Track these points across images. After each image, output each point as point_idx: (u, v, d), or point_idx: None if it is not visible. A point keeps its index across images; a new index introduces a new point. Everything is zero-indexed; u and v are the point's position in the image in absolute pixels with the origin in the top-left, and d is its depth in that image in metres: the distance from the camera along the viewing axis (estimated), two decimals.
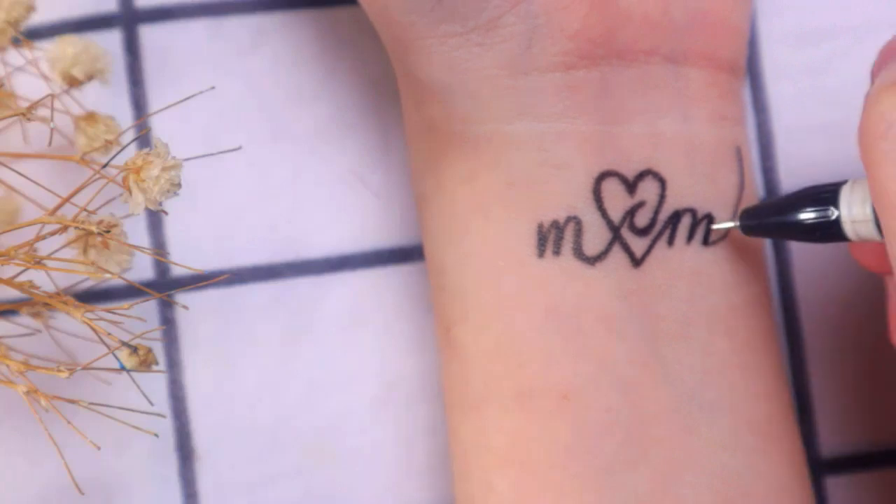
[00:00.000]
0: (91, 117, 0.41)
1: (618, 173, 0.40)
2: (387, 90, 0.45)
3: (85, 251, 0.39)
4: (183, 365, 0.45)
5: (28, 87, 0.42)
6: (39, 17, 0.43)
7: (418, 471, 0.45)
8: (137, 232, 0.45)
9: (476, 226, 0.40)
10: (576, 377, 0.39)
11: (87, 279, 0.40)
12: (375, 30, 0.40)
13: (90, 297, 0.44)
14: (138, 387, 0.40)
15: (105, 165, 0.37)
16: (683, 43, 0.41)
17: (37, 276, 0.39)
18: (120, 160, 0.37)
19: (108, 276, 0.38)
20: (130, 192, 0.37)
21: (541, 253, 0.40)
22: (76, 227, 0.37)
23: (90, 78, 0.42)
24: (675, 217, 0.41)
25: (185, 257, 0.45)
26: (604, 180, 0.40)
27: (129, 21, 0.45)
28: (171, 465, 0.45)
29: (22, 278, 0.38)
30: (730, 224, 0.41)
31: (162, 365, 0.45)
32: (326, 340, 0.45)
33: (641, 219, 0.40)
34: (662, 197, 0.41)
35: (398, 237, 0.46)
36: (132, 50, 0.45)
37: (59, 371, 0.37)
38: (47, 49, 0.42)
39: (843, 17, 0.46)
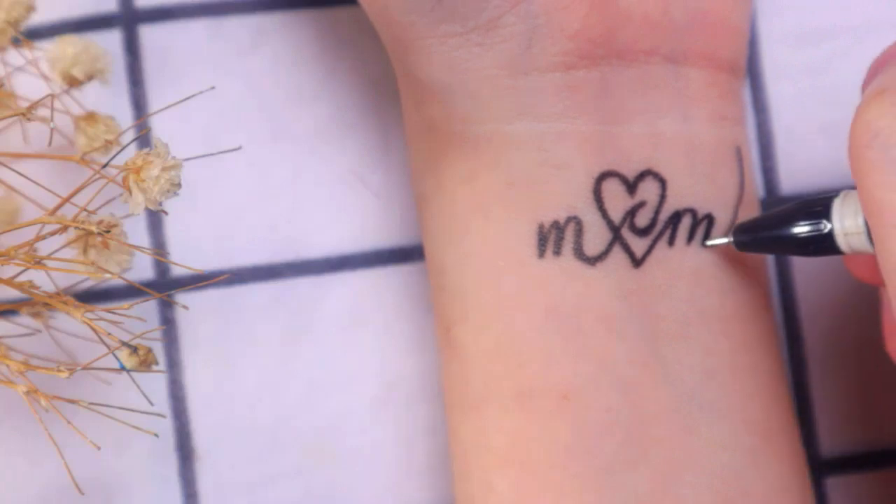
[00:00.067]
0: (91, 117, 0.41)
1: (618, 173, 0.40)
2: (387, 90, 0.45)
3: (85, 251, 0.39)
4: (183, 365, 0.45)
5: (28, 87, 0.42)
6: (39, 17, 0.43)
7: (418, 471, 0.45)
8: (137, 232, 0.45)
9: (476, 226, 0.40)
10: (576, 377, 0.39)
11: (87, 279, 0.40)
12: (375, 30, 0.40)
13: (90, 297, 0.44)
14: (138, 387, 0.40)
15: (105, 165, 0.37)
16: (683, 43, 0.41)
17: (37, 276, 0.39)
18: (120, 160, 0.37)
19: (108, 276, 0.38)
20: (130, 192, 0.37)
21: (541, 253, 0.40)
22: (76, 227, 0.37)
23: (90, 78, 0.42)
24: (676, 217, 0.41)
25: (185, 257, 0.45)
26: (604, 180, 0.40)
27: (129, 21, 0.45)
28: (171, 465, 0.45)
29: (22, 278, 0.38)
30: (723, 240, 0.41)
31: (162, 365, 0.45)
32: (326, 340, 0.45)
33: (642, 219, 0.40)
34: (663, 197, 0.41)
35: (398, 237, 0.46)
36: (132, 50, 0.45)
37: (59, 371, 0.37)
38: (47, 49, 0.42)
39: (843, 17, 0.46)
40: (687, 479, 0.40)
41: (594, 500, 0.39)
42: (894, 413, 0.46)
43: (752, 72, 0.46)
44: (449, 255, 0.41)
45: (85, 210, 0.37)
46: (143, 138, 0.45)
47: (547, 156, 0.40)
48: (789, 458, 0.42)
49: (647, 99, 0.41)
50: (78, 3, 0.45)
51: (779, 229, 0.39)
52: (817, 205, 0.38)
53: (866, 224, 0.37)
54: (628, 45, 0.40)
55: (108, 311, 0.37)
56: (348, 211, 0.46)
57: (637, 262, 0.40)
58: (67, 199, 0.37)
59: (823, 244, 0.38)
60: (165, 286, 0.45)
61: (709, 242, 0.41)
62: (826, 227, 0.38)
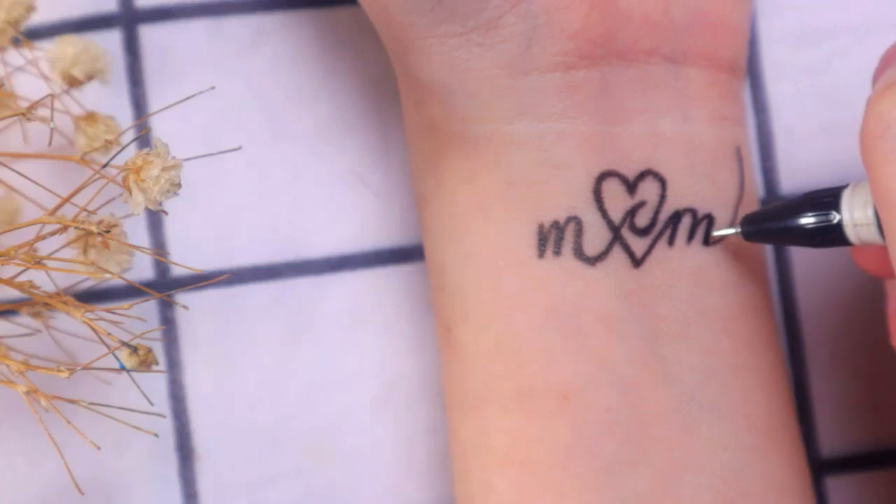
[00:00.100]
0: (91, 117, 0.41)
1: (618, 173, 0.40)
2: (387, 90, 0.45)
3: (85, 251, 0.39)
4: (183, 365, 0.45)
5: (28, 87, 0.42)
6: (39, 17, 0.43)
7: (418, 471, 0.45)
8: (137, 232, 0.45)
9: (476, 226, 0.40)
10: (576, 377, 0.39)
11: (87, 279, 0.40)
12: (375, 30, 0.40)
13: (90, 297, 0.44)
14: (138, 387, 0.40)
15: (105, 165, 0.37)
16: (683, 43, 0.41)
17: (37, 276, 0.39)
18: (120, 160, 0.37)
19: (108, 276, 0.38)
20: (130, 192, 0.37)
21: (541, 253, 0.40)
22: (76, 227, 0.37)
23: (90, 78, 0.42)
24: (676, 217, 0.41)
25: (185, 257, 0.45)
26: (604, 180, 0.40)
27: (129, 21, 0.45)
28: (171, 465, 0.45)
29: (22, 278, 0.38)
30: (730, 231, 0.41)
31: (162, 365, 0.45)
32: (326, 340, 0.45)
33: (642, 219, 0.40)
34: (663, 197, 0.41)
35: (398, 237, 0.46)
36: (132, 50, 0.45)
37: (59, 371, 0.37)
38: (47, 49, 0.42)
39: (843, 17, 0.46)
40: (687, 479, 0.40)
41: (594, 500, 0.39)
42: (895, 413, 0.46)
43: (752, 72, 0.46)
44: (449, 255, 0.41)
45: (85, 210, 0.37)
46: (143, 138, 0.45)
47: (547, 156, 0.40)
48: (789, 458, 0.42)
49: (647, 99, 0.41)
50: (78, 3, 0.45)
51: (787, 220, 0.39)
52: (826, 195, 0.38)
53: (876, 215, 0.37)
54: (628, 45, 0.40)
55: (108, 311, 0.37)
56: (348, 211, 0.46)
57: (637, 262, 0.40)
58: (67, 199, 0.37)
59: (832, 235, 0.38)
60: (165, 286, 0.45)
61: (716, 233, 0.41)
62: (835, 217, 0.38)
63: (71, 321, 0.38)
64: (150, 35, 0.45)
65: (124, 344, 0.37)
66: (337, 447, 0.45)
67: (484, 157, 0.40)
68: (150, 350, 0.39)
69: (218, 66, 0.45)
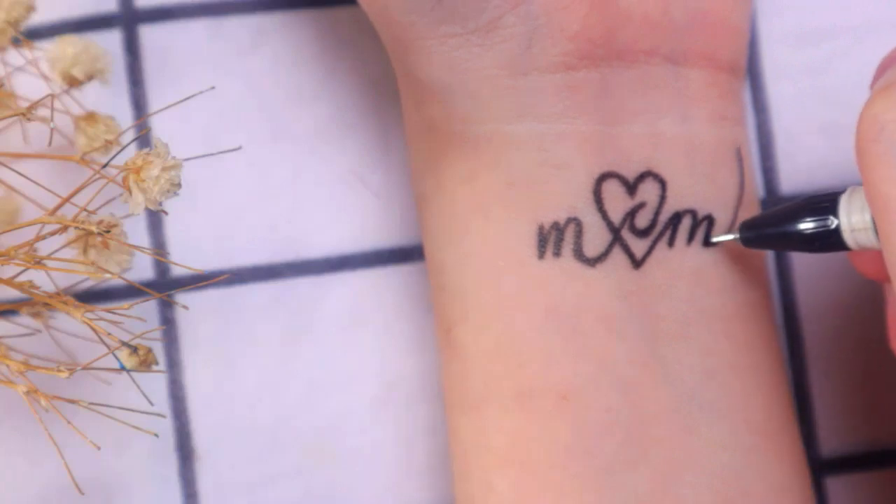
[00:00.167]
0: (91, 117, 0.41)
1: (618, 174, 0.40)
2: (387, 90, 0.45)
3: (85, 251, 0.39)
4: (183, 365, 0.45)
5: (28, 87, 0.42)
6: (39, 17, 0.43)
7: (418, 471, 0.45)
8: (137, 232, 0.45)
9: (476, 226, 0.40)
10: (576, 377, 0.39)
11: (87, 279, 0.40)
12: (375, 30, 0.40)
13: (90, 297, 0.44)
14: (138, 387, 0.40)
15: (105, 165, 0.37)
16: (683, 43, 0.41)
17: (37, 276, 0.39)
18: (120, 160, 0.37)
19: (108, 276, 0.38)
20: (130, 192, 0.37)
21: (541, 254, 0.40)
22: (76, 227, 0.37)
23: (90, 78, 0.42)
24: (676, 218, 0.41)
25: (185, 257, 0.45)
26: (604, 181, 0.40)
27: (129, 21, 0.45)
28: (171, 465, 0.45)
29: (22, 278, 0.38)
30: (729, 237, 0.41)
31: (162, 365, 0.45)
32: (326, 340, 0.45)
33: (642, 220, 0.40)
34: (663, 198, 0.41)
35: (398, 237, 0.46)
36: (132, 50, 0.45)
37: (59, 371, 0.37)
38: (47, 49, 0.42)
39: (843, 17, 0.46)
40: (687, 479, 0.40)
41: (594, 500, 0.39)
42: (895, 413, 0.46)
43: (752, 72, 0.46)
44: (449, 255, 0.41)
45: (85, 210, 0.37)
46: (143, 138, 0.45)
47: (547, 156, 0.40)
48: (790, 458, 0.42)
49: (647, 99, 0.41)
50: (78, 3, 0.45)
51: (785, 225, 0.39)
52: (824, 201, 0.38)
53: (873, 219, 0.37)
54: (628, 46, 0.40)
55: (108, 311, 0.37)
56: (348, 211, 0.46)
57: (637, 263, 0.40)
58: (67, 199, 0.37)
59: (830, 240, 0.38)
60: (165, 286, 0.45)
61: (714, 239, 0.41)
62: (833, 223, 0.38)
63: (71, 321, 0.38)
64: (150, 35, 0.45)
65: (124, 344, 0.37)
66: (337, 447, 0.45)
67: (484, 157, 0.40)
68: (150, 350, 0.39)
69: (218, 66, 0.45)
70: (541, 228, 0.40)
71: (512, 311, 0.40)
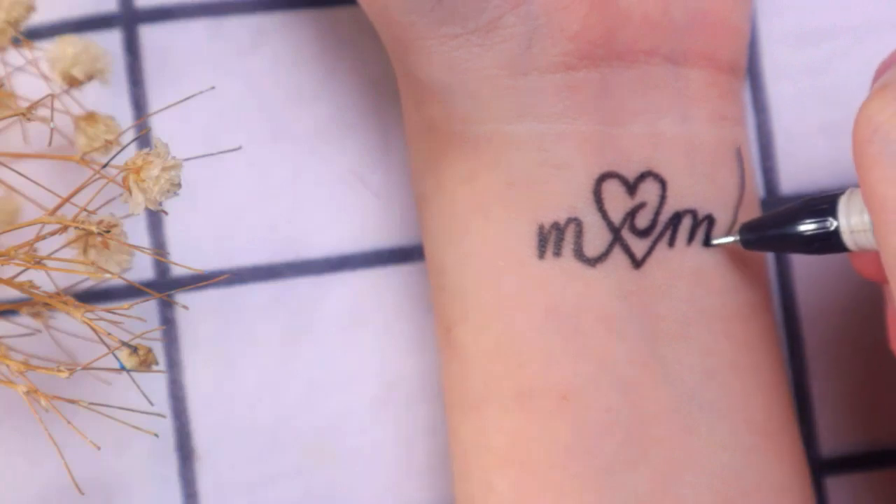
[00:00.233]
0: (91, 117, 0.41)
1: (618, 174, 0.40)
2: (387, 90, 0.45)
3: (85, 251, 0.39)
4: (183, 365, 0.45)
5: (28, 87, 0.42)
6: (39, 17, 0.43)
7: (418, 471, 0.45)
8: (137, 232, 0.45)
9: (476, 226, 0.40)
10: (576, 377, 0.39)
11: (87, 279, 0.40)
12: (375, 30, 0.40)
13: (90, 297, 0.44)
14: (138, 387, 0.40)
15: (105, 165, 0.37)
16: (683, 43, 0.41)
17: (37, 276, 0.39)
18: (120, 160, 0.37)
19: (108, 276, 0.38)
20: (130, 192, 0.37)
21: (541, 254, 0.40)
22: (76, 227, 0.37)
23: (90, 78, 0.42)
24: (676, 218, 0.41)
25: (185, 257, 0.45)
26: (604, 181, 0.40)
27: (129, 21, 0.45)
28: (171, 465, 0.45)
29: (22, 278, 0.38)
30: (729, 239, 0.41)
31: (162, 365, 0.45)
32: (326, 340, 0.45)
33: (642, 220, 0.40)
34: (663, 198, 0.41)
35: (398, 237, 0.46)
36: (132, 50, 0.45)
37: (59, 371, 0.37)
38: (47, 49, 0.42)
39: (843, 17, 0.46)
40: (687, 479, 0.40)
41: (594, 500, 0.39)
42: (894, 413, 0.46)
43: (752, 72, 0.46)
44: (449, 255, 0.41)
45: (85, 210, 0.37)
46: (143, 138, 0.45)
47: (547, 156, 0.40)
48: (790, 458, 0.42)
49: (647, 99, 0.41)
50: (78, 3, 0.45)
51: (785, 227, 0.39)
52: (823, 202, 0.38)
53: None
54: (628, 46, 0.40)
55: (108, 311, 0.37)
56: (348, 211, 0.46)
57: (637, 263, 0.40)
58: (67, 199, 0.37)
59: (829, 242, 0.38)
60: (165, 286, 0.45)
61: (715, 241, 0.41)
62: (832, 224, 0.38)
63: (71, 321, 0.38)
64: (150, 35, 0.45)
65: (124, 344, 0.37)
66: (337, 447, 0.45)
67: (484, 157, 0.40)
68: (150, 350, 0.39)
69: (218, 66, 0.45)
70: (541, 228, 0.40)
71: (512, 311, 0.40)
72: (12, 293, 0.41)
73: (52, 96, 0.39)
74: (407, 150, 0.43)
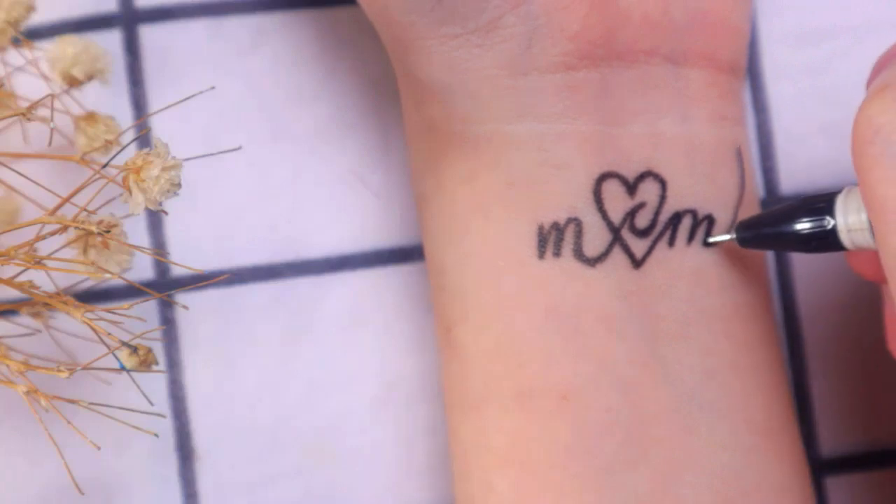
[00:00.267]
0: (91, 117, 0.41)
1: (618, 174, 0.40)
2: (387, 90, 0.45)
3: (85, 251, 0.39)
4: (183, 365, 0.45)
5: (28, 87, 0.42)
6: (39, 17, 0.43)
7: (418, 471, 0.45)
8: (137, 232, 0.45)
9: (476, 226, 0.40)
10: (576, 377, 0.39)
11: (87, 279, 0.40)
12: (375, 30, 0.40)
13: (90, 297, 0.44)
14: (138, 387, 0.40)
15: (105, 165, 0.37)
16: (683, 43, 0.41)
17: (37, 276, 0.39)
18: (120, 160, 0.37)
19: (108, 276, 0.38)
20: (130, 192, 0.37)
21: (541, 254, 0.40)
22: (76, 227, 0.37)
23: (90, 78, 0.42)
24: (676, 218, 0.41)
25: (185, 257, 0.45)
26: (604, 181, 0.40)
27: (129, 21, 0.45)
28: (171, 465, 0.45)
29: (22, 278, 0.38)
30: (726, 237, 0.41)
31: (162, 365, 0.45)
32: (326, 340, 0.45)
33: (642, 220, 0.40)
34: (663, 198, 0.41)
35: (398, 237, 0.46)
36: (132, 50, 0.45)
37: (59, 371, 0.37)
38: (47, 49, 0.42)
39: (843, 17, 0.46)
40: (687, 479, 0.40)
41: (594, 500, 0.39)
42: (894, 413, 0.46)
43: (752, 72, 0.46)
44: (449, 255, 0.41)
45: (85, 210, 0.37)
46: (143, 138, 0.45)
47: (547, 156, 0.40)
48: (790, 458, 0.42)
49: (647, 99, 0.41)
50: (78, 3, 0.45)
51: (782, 226, 0.39)
52: (821, 201, 0.38)
53: (869, 220, 0.37)
54: (628, 46, 0.40)
55: (108, 311, 0.37)
56: (348, 211, 0.46)
57: (637, 264, 0.40)
58: (67, 199, 0.37)
59: (826, 240, 0.38)
60: (165, 286, 0.45)
61: (711, 239, 0.41)
62: (829, 223, 0.38)
63: (71, 321, 0.38)
64: (150, 35, 0.45)
65: (124, 344, 0.37)
66: (337, 447, 0.45)
67: (484, 157, 0.40)
68: (150, 350, 0.39)
69: (218, 66, 0.45)
70: (541, 228, 0.40)
71: (512, 311, 0.40)
72: (12, 293, 0.41)
73: (52, 96, 0.39)
74: (407, 150, 0.43)
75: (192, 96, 0.41)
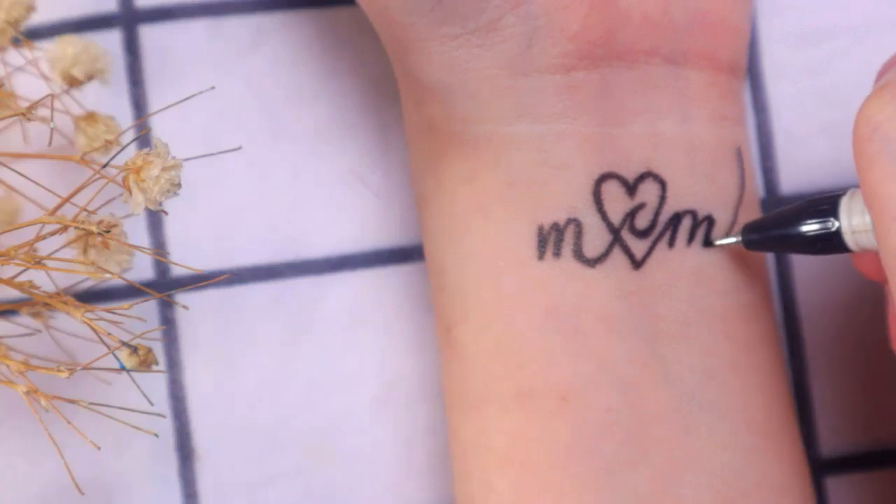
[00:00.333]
0: (91, 117, 0.41)
1: (618, 175, 0.40)
2: (387, 90, 0.45)
3: (85, 251, 0.39)
4: (183, 365, 0.45)
5: (28, 87, 0.42)
6: (39, 17, 0.43)
7: (418, 471, 0.45)
8: (137, 232, 0.45)
9: (476, 226, 0.40)
10: (576, 377, 0.39)
11: (87, 279, 0.40)
12: (375, 30, 0.40)
13: (90, 297, 0.44)
14: (138, 387, 0.40)
15: (105, 165, 0.37)
16: (683, 43, 0.41)
17: (37, 276, 0.39)
18: (120, 160, 0.37)
19: (108, 276, 0.38)
20: (130, 192, 0.37)
21: (541, 255, 0.40)
22: (76, 227, 0.37)
23: (90, 78, 0.42)
24: (676, 219, 0.41)
25: (185, 257, 0.45)
26: (604, 182, 0.40)
27: (129, 21, 0.45)
28: (171, 465, 0.45)
29: (22, 278, 0.38)
30: (732, 240, 0.41)
31: (162, 365, 0.45)
32: (326, 340, 0.45)
33: (641, 221, 0.40)
34: (663, 198, 0.41)
35: (398, 237, 0.46)
36: (132, 50, 0.45)
37: (59, 371, 0.37)
38: (47, 49, 0.42)
39: (843, 17, 0.46)
40: (687, 479, 0.40)
41: (594, 500, 0.39)
42: (894, 413, 0.46)
43: (752, 72, 0.46)
44: (449, 255, 0.41)
45: (85, 210, 0.37)
46: (143, 138, 0.45)
47: (547, 156, 0.40)
48: (790, 458, 0.42)
49: (647, 99, 0.41)
50: (78, 3, 0.45)
51: (787, 228, 0.39)
52: (825, 203, 0.38)
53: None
54: (628, 46, 0.40)
55: (108, 311, 0.37)
56: (348, 211, 0.46)
57: (637, 264, 0.40)
58: (67, 199, 0.37)
59: (831, 242, 0.38)
60: (165, 286, 0.45)
61: (718, 242, 0.41)
62: (834, 225, 0.38)
63: (71, 321, 0.38)
64: (150, 35, 0.45)
65: (124, 344, 0.37)
66: (337, 447, 0.45)
67: (484, 158, 0.40)
68: (150, 350, 0.39)
69: (218, 66, 0.45)
70: (541, 229, 0.40)
71: (512, 311, 0.40)
72: (12, 293, 0.41)
73: (52, 96, 0.39)
74: (407, 150, 0.43)
75: (192, 96, 0.41)
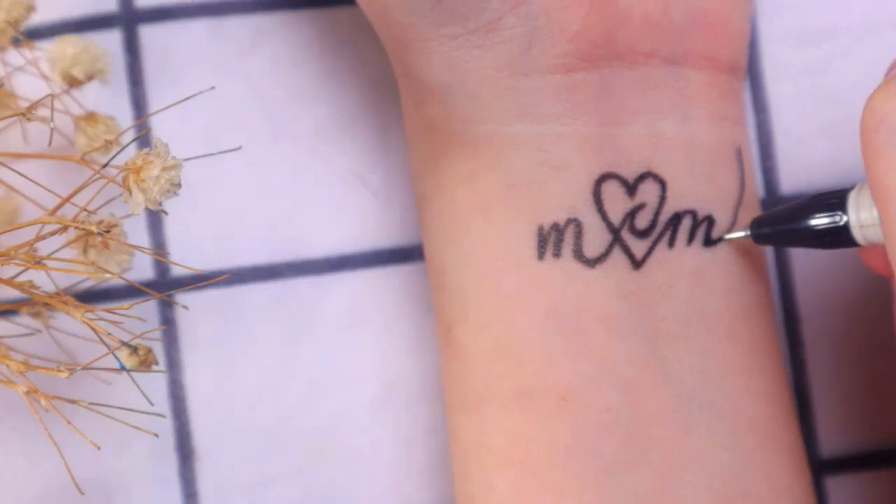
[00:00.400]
0: (91, 117, 0.41)
1: (618, 175, 0.40)
2: (387, 90, 0.45)
3: (85, 251, 0.39)
4: (183, 365, 0.45)
5: (28, 87, 0.42)
6: (39, 17, 0.43)
7: (418, 471, 0.45)
8: (137, 232, 0.45)
9: (476, 226, 0.40)
10: (576, 377, 0.39)
11: (87, 279, 0.40)
12: (375, 30, 0.40)
13: (90, 297, 0.44)
14: (138, 387, 0.40)
15: (105, 165, 0.37)
16: (683, 44, 0.41)
17: (37, 276, 0.39)
18: (120, 160, 0.37)
19: (108, 276, 0.38)
20: (130, 192, 0.37)
21: (541, 255, 0.40)
22: (76, 227, 0.37)
23: (90, 78, 0.42)
24: (676, 219, 0.41)
25: (185, 257, 0.45)
26: (604, 182, 0.40)
27: (129, 21, 0.45)
28: (171, 465, 0.45)
29: (22, 278, 0.38)
30: (740, 234, 0.41)
31: (162, 365, 0.45)
32: (326, 340, 0.45)
33: (641, 221, 0.40)
34: (663, 199, 0.41)
35: (398, 237, 0.46)
36: (132, 50, 0.45)
37: (59, 371, 0.37)
38: (47, 49, 0.42)
39: (843, 17, 0.46)
40: (687, 479, 0.40)
41: (594, 500, 0.39)
42: (894, 413, 0.46)
43: (752, 72, 0.46)
44: (449, 255, 0.41)
45: (85, 210, 0.37)
46: (143, 138, 0.45)
47: (547, 156, 0.40)
48: (790, 459, 0.42)
49: (647, 100, 0.41)
50: (78, 3, 0.45)
51: (796, 222, 0.39)
52: (833, 197, 0.38)
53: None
54: (628, 46, 0.40)
55: (108, 311, 0.37)
56: (348, 211, 0.46)
57: (637, 264, 0.40)
58: (67, 199, 0.37)
59: (840, 236, 0.38)
60: (165, 286, 0.45)
61: (726, 236, 0.41)
62: (842, 219, 0.38)
63: (71, 321, 0.38)
64: (150, 35, 0.45)
65: (124, 344, 0.37)
66: (337, 447, 0.45)
67: (484, 158, 0.40)
68: (150, 350, 0.39)
69: (218, 66, 0.45)
70: (540, 229, 0.40)
71: (512, 311, 0.40)
72: (12, 293, 0.41)
73: (52, 96, 0.39)
74: (407, 150, 0.43)
75: (192, 96, 0.41)
